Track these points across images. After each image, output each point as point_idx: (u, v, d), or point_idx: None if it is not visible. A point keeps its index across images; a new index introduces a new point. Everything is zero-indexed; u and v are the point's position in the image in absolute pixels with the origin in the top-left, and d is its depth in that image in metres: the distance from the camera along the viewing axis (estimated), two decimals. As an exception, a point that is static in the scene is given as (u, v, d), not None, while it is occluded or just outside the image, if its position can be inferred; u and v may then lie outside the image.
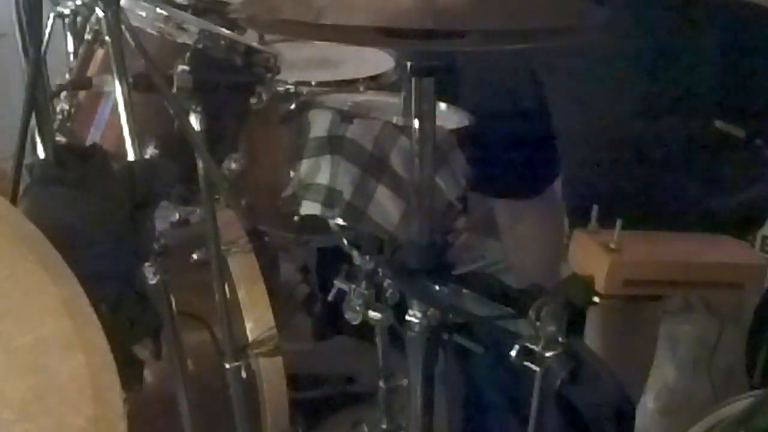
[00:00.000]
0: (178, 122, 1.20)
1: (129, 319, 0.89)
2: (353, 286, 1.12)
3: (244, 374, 1.34)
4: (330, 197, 1.19)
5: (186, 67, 1.20)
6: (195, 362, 1.33)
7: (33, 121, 0.92)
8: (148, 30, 1.27)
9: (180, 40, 1.27)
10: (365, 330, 1.21)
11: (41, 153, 0.92)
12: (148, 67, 1.12)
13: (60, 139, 1.33)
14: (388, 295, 1.10)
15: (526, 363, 0.92)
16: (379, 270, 1.10)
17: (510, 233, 1.85)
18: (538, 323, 0.92)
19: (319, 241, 1.54)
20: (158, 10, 1.28)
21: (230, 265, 1.42)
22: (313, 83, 1.53)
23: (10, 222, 0.68)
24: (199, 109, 1.19)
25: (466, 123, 1.36)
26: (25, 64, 0.91)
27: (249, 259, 1.43)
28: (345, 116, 1.20)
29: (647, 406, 1.67)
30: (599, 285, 1.13)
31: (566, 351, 0.91)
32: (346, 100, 1.42)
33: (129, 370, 0.91)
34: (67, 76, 1.40)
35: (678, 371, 1.73)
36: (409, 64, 0.94)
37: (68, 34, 1.57)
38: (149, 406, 1.25)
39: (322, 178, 1.20)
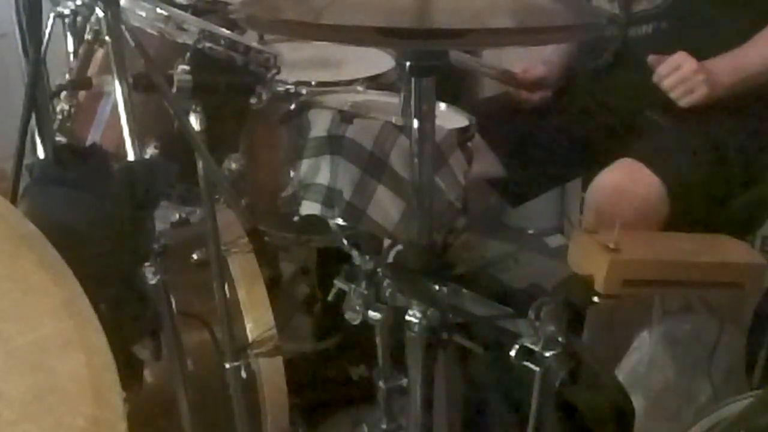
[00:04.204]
0: (178, 122, 1.20)
1: (129, 319, 0.89)
2: (353, 286, 1.12)
3: (244, 374, 1.34)
4: (330, 197, 1.19)
5: (186, 67, 1.20)
6: (195, 362, 1.33)
7: (33, 121, 0.92)
8: (148, 30, 1.27)
9: (180, 40, 1.27)
10: (365, 330, 1.21)
11: (41, 153, 0.92)
12: (148, 67, 1.12)
13: (60, 139, 1.33)
14: (387, 295, 1.10)
15: (526, 363, 0.92)
16: (379, 270, 1.10)
17: None
18: (537, 323, 0.92)
19: (319, 241, 1.54)
20: (158, 10, 1.28)
21: (230, 265, 1.42)
22: (313, 83, 1.53)
23: (10, 222, 0.68)
24: (199, 109, 1.19)
25: (466, 123, 1.36)
26: (25, 64, 0.91)
27: (249, 259, 1.43)
28: (345, 116, 1.20)
29: (647, 407, 1.67)
30: (599, 285, 1.13)
31: (566, 351, 0.91)
32: (346, 100, 1.42)
33: (129, 370, 0.91)
34: (67, 76, 1.40)
35: (678, 371, 1.72)
36: (408, 64, 0.94)
37: (68, 34, 1.58)
38: (149, 406, 1.25)
39: (322, 178, 1.20)
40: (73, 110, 1.36)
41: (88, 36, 1.35)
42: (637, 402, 1.25)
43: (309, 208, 1.22)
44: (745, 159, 1.48)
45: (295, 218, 1.30)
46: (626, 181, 1.39)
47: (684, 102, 1.43)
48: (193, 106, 1.19)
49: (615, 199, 1.38)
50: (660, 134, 1.52)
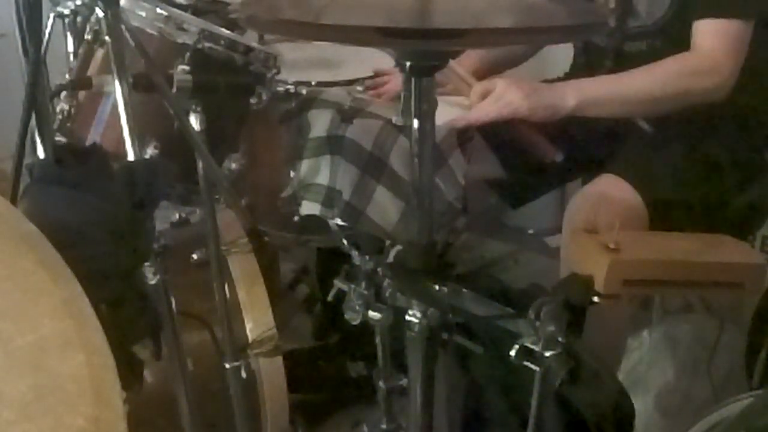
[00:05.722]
0: (178, 122, 1.20)
1: (129, 319, 0.89)
2: (353, 286, 1.12)
3: (244, 374, 1.34)
4: (330, 197, 1.19)
5: (186, 67, 1.20)
6: (195, 362, 1.33)
7: (33, 121, 0.92)
8: (148, 30, 1.27)
9: (180, 40, 1.27)
10: (365, 330, 1.21)
11: (41, 153, 0.92)
12: (148, 67, 1.12)
13: (60, 139, 1.34)
14: (388, 295, 1.10)
15: (526, 363, 0.92)
16: (379, 270, 1.10)
17: None
18: (538, 323, 0.92)
19: (319, 241, 1.54)
20: (158, 10, 1.28)
21: (230, 265, 1.42)
22: (313, 83, 1.53)
23: (10, 222, 0.68)
24: (199, 109, 1.19)
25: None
26: (25, 64, 0.91)
27: (249, 259, 1.43)
28: (345, 116, 1.20)
29: (647, 407, 1.67)
30: (599, 285, 1.13)
31: (566, 351, 0.91)
32: (346, 99, 1.42)
33: (129, 370, 0.91)
34: (67, 76, 1.40)
35: (678, 371, 1.72)
36: (408, 64, 0.94)
37: (68, 34, 1.58)
38: (149, 406, 1.25)
39: (322, 178, 1.20)
40: (73, 110, 1.36)
41: (88, 36, 1.35)
42: (637, 402, 1.25)
43: (309, 208, 1.22)
44: (735, 163, 1.48)
45: (295, 218, 1.31)
46: (604, 195, 1.38)
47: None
48: (193, 106, 1.19)
49: (591, 214, 1.37)
50: (644, 144, 1.52)
